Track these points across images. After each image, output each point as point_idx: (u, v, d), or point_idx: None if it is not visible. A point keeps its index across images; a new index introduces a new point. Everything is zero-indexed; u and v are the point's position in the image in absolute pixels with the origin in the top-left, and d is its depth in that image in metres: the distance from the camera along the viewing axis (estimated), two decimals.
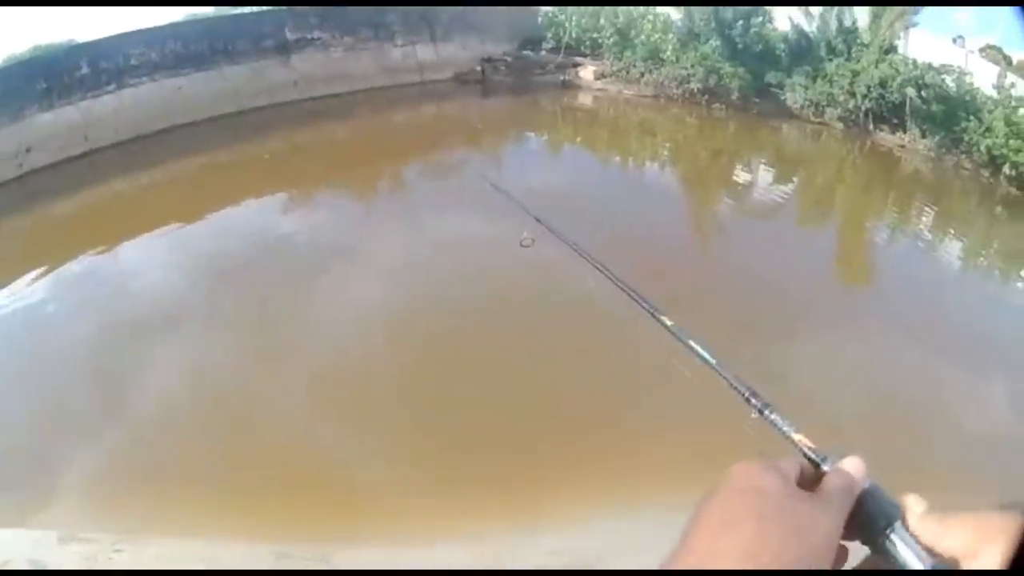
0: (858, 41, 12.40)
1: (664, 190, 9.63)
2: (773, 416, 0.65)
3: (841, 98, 11.90)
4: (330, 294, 7.29)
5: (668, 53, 11.73)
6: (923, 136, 11.03)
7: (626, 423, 5.12)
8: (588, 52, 12.11)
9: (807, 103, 12.17)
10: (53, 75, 10.46)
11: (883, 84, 11.33)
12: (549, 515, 4.41)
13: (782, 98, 12.10)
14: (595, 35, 12.17)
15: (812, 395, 5.17)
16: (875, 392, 5.46)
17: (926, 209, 9.92)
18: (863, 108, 11.78)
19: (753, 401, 0.67)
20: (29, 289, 8.15)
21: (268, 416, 5.42)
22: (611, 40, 11.83)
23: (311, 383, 5.83)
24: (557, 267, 7.18)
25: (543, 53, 12.11)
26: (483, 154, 9.68)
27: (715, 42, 12.08)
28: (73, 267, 8.72)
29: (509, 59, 11.84)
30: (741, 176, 10.31)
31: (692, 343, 0.80)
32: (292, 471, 4.74)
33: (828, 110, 12.14)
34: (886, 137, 11.99)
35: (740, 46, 12.22)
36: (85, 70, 10.77)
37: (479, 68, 11.73)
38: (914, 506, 0.53)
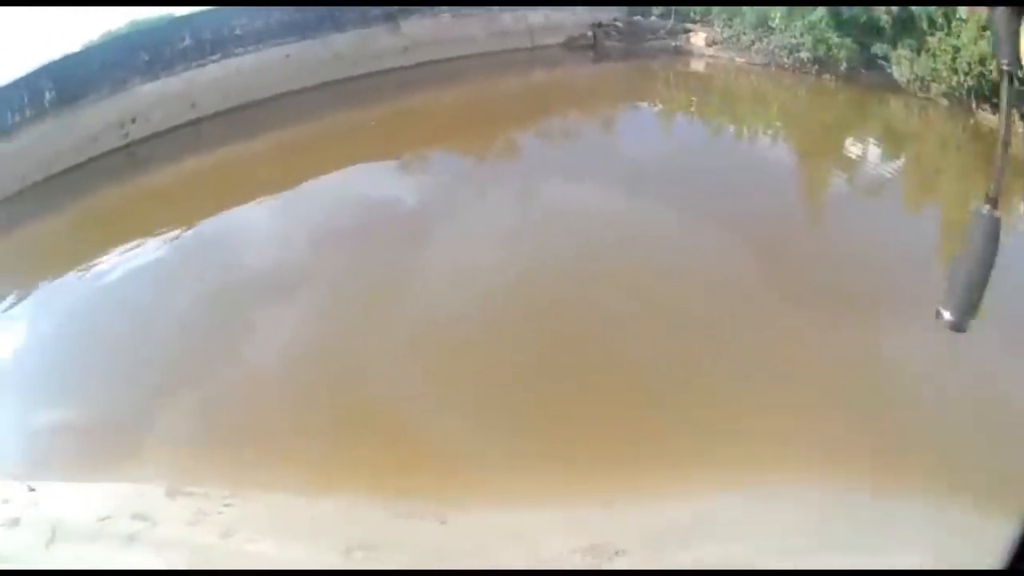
0: (957, 15, 12.06)
1: (776, 161, 9.71)
2: None
3: (944, 74, 11.68)
4: (439, 256, 7.39)
5: (776, 21, 11.60)
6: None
7: (743, 398, 5.06)
8: (698, 18, 12.00)
9: (913, 77, 11.97)
10: (155, 48, 10.78)
11: (983, 62, 11.05)
12: (654, 485, 4.38)
13: (888, 71, 11.93)
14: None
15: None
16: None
17: None
18: (965, 85, 11.54)
19: None
20: (139, 251, 8.38)
21: (378, 375, 5.54)
22: (719, 7, 11.70)
23: (421, 343, 5.98)
24: (669, 234, 7.30)
25: (653, 18, 12.04)
26: (595, 120, 9.80)
27: (822, 11, 11.88)
28: (182, 231, 8.94)
29: (620, 24, 11.81)
30: (852, 150, 10.31)
31: None
32: (400, 430, 4.77)
33: (933, 85, 11.92)
34: (988, 117, 11.76)
35: (845, 16, 12.02)
36: (188, 42, 11.05)
37: (590, 33, 11.72)
38: None
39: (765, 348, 5.56)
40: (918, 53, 11.88)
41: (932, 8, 12.29)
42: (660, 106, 10.54)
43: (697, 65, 10.91)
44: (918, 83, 11.86)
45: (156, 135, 10.38)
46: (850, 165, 9.94)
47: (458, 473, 4.47)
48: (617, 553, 3.78)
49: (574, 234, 7.33)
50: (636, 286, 6.40)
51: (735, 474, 4.37)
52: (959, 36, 11.77)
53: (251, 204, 9.22)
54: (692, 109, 10.50)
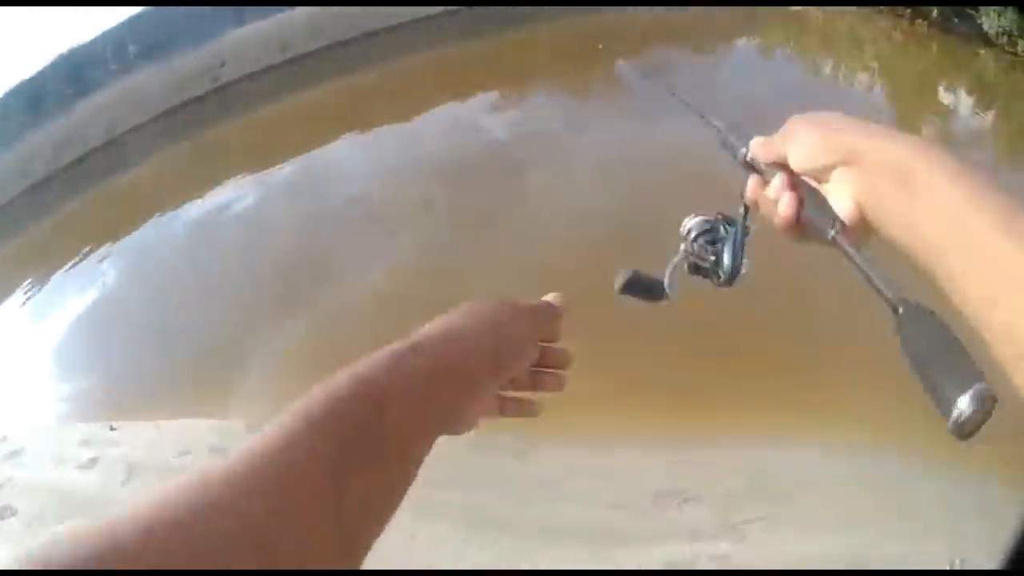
0: None
1: (873, 103, 9.58)
2: None
3: None
4: (534, 193, 7.34)
5: None
6: None
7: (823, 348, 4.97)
8: None
9: (1000, 31, 11.74)
10: None
11: None
12: (738, 430, 4.28)
13: (979, 22, 11.68)
14: None
15: None
16: None
17: None
18: None
19: None
20: (234, 193, 8.30)
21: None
22: None
23: (510, 281, 5.95)
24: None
25: None
26: (697, 55, 9.57)
27: None
28: (279, 170, 8.83)
29: None
30: (944, 99, 10.20)
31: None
32: None
33: (1019, 42, 11.71)
34: None
35: None
36: None
37: None
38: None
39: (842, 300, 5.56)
40: (1005, 6, 11.66)
41: None
42: (758, 42, 10.28)
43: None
44: (1005, 36, 11.67)
45: (248, 76, 10.18)
46: (943, 114, 9.86)
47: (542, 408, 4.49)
48: (686, 500, 3.79)
49: (670, 173, 7.18)
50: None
51: (818, 427, 4.27)
52: None
53: (346, 139, 9.18)
54: (791, 48, 10.26)
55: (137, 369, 5.77)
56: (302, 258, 6.80)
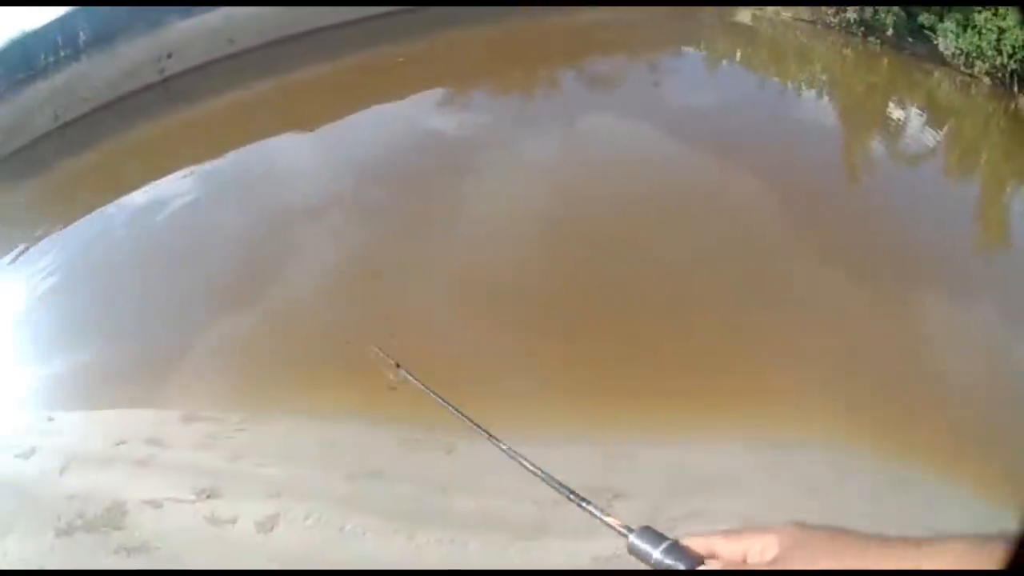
0: None
1: (818, 118, 9.54)
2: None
3: (989, 53, 11.50)
4: (475, 192, 7.30)
5: None
6: None
7: (770, 349, 5.10)
8: None
9: (957, 51, 11.77)
10: None
11: None
12: (675, 429, 4.37)
13: (934, 42, 11.72)
14: None
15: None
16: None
17: None
18: (1008, 69, 11.38)
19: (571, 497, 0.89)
20: (176, 186, 8.27)
21: (405, 309, 5.51)
22: None
23: (450, 277, 5.99)
24: (706, 181, 7.27)
25: None
26: (641, 63, 9.55)
27: None
28: (219, 164, 8.82)
29: None
30: (893, 115, 10.17)
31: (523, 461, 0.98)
32: (425, 363, 4.81)
33: (977, 63, 11.74)
34: None
35: None
36: None
37: None
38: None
39: (790, 301, 5.60)
40: (964, 28, 11.68)
41: None
42: (705, 51, 10.28)
43: (743, 16, 10.66)
44: (962, 58, 11.67)
45: (194, 69, 10.18)
46: (891, 129, 9.82)
47: (474, 403, 4.42)
48: (616, 496, 3.77)
49: (610, 174, 7.30)
50: (666, 229, 6.45)
51: (757, 427, 4.33)
52: (1005, 18, 11.59)
53: (289, 135, 9.18)
54: (738, 59, 10.25)
55: (74, 360, 5.71)
56: (240, 254, 6.72)
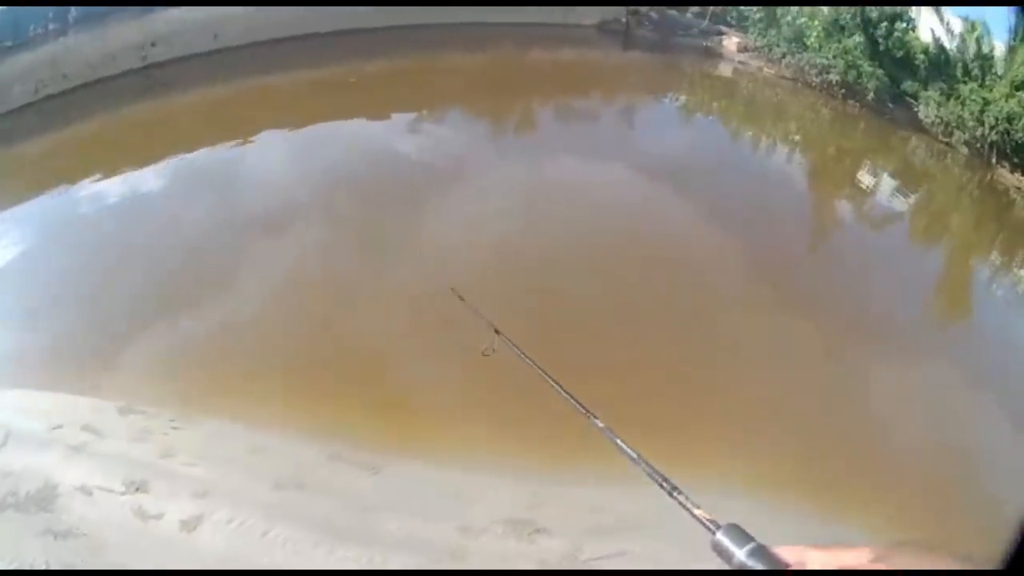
0: (992, 70, 12.07)
1: (788, 177, 9.62)
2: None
3: (970, 123, 11.64)
4: (439, 216, 7.31)
5: (812, 40, 11.51)
6: None
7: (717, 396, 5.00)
8: (734, 23, 11.88)
9: (937, 120, 11.93)
10: None
11: (1010, 120, 11.05)
12: (607, 470, 4.40)
13: (915, 109, 11.90)
14: (743, 7, 11.92)
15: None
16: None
17: None
18: (988, 139, 11.52)
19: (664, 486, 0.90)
20: (144, 174, 8.29)
21: (355, 324, 5.40)
22: (758, 15, 11.61)
23: (404, 298, 5.77)
24: (672, 231, 7.24)
25: (689, 15, 11.90)
26: (617, 105, 9.67)
27: (859, 38, 11.82)
28: (190, 158, 8.83)
29: (655, 15, 11.65)
30: (864, 180, 10.24)
31: (619, 442, 1.01)
32: (362, 377, 4.72)
33: (956, 132, 11.89)
34: (1006, 175, 11.72)
35: (882, 47, 11.97)
36: None
37: (624, 20, 11.55)
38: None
39: (734, 350, 5.59)
40: (947, 99, 11.85)
41: (970, 57, 12.26)
42: (683, 101, 10.41)
43: (725, 69, 10.78)
44: (942, 127, 11.81)
45: (176, 60, 10.26)
46: (860, 194, 9.88)
47: (406, 426, 4.40)
48: (537, 531, 3.75)
49: (576, 216, 7.23)
50: (627, 276, 6.43)
51: (685, 474, 4.25)
52: (991, 90, 11.76)
53: (262, 135, 9.16)
54: (715, 111, 10.38)
55: (19, 339, 5.71)
56: (196, 252, 6.66)
